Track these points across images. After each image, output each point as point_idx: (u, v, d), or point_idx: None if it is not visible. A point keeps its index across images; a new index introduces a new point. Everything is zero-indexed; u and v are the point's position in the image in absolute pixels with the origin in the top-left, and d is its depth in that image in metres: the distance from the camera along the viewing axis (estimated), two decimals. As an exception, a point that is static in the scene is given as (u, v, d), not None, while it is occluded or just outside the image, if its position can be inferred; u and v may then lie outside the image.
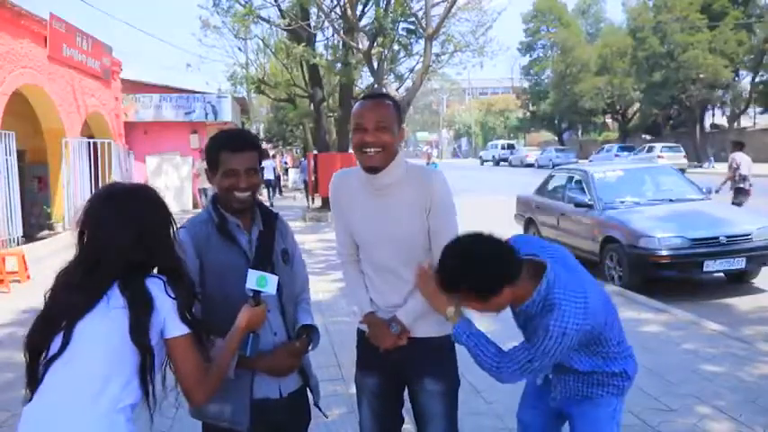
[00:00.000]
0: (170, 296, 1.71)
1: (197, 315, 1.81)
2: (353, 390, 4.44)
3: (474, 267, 1.94)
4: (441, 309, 2.18)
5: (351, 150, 19.66)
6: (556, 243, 2.70)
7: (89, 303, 1.64)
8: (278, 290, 2.17)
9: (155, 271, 1.77)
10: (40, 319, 1.69)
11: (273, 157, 26.96)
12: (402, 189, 2.21)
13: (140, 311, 1.64)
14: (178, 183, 19.33)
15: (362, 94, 2.74)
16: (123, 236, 1.69)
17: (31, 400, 1.63)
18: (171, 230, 1.81)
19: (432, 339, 2.29)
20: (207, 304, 1.96)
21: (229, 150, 2.06)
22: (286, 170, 31.30)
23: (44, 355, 1.64)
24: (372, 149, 2.13)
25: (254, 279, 1.93)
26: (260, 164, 2.13)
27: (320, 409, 2.40)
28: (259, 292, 1.94)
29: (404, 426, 2.51)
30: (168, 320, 1.70)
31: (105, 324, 1.62)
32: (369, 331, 2.33)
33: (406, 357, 2.28)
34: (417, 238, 2.22)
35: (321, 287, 7.86)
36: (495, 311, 2.08)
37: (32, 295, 4.49)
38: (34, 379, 1.63)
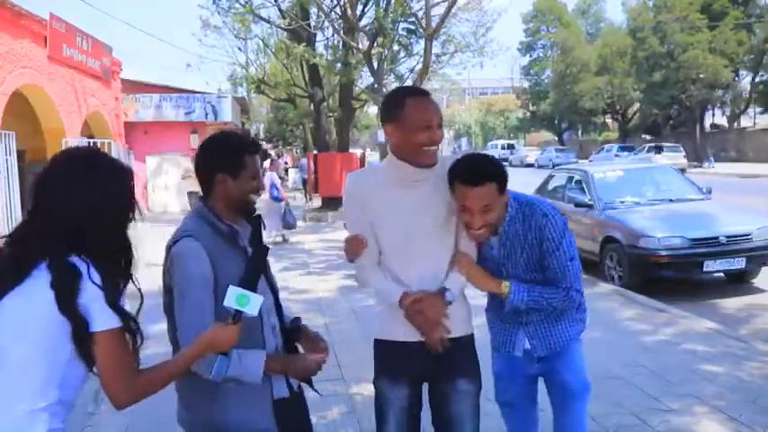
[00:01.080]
0: (94, 282, 1.49)
1: (125, 307, 1.59)
2: (353, 390, 4.44)
3: (494, 160, 2.24)
4: (491, 285, 2.29)
5: (351, 150, 19.70)
6: None
7: (18, 278, 1.50)
8: (272, 289, 2.14)
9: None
10: None
11: (279, 156, 26.85)
12: (436, 176, 2.21)
13: (67, 285, 1.47)
14: (178, 183, 19.33)
15: (412, 87, 2.67)
16: (77, 202, 1.54)
17: None
18: (130, 207, 1.65)
19: (462, 338, 2.28)
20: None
21: (253, 153, 2.05)
22: (286, 170, 31.30)
23: None
24: (434, 147, 2.16)
25: (233, 297, 1.74)
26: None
27: (312, 387, 2.26)
28: (239, 311, 1.74)
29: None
30: (93, 311, 1.49)
31: (29, 303, 1.47)
32: (412, 310, 2.17)
33: (439, 358, 2.21)
34: (450, 222, 2.25)
35: (321, 287, 7.86)
36: (497, 222, 2.24)
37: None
38: None
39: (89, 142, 13.07)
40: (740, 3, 33.25)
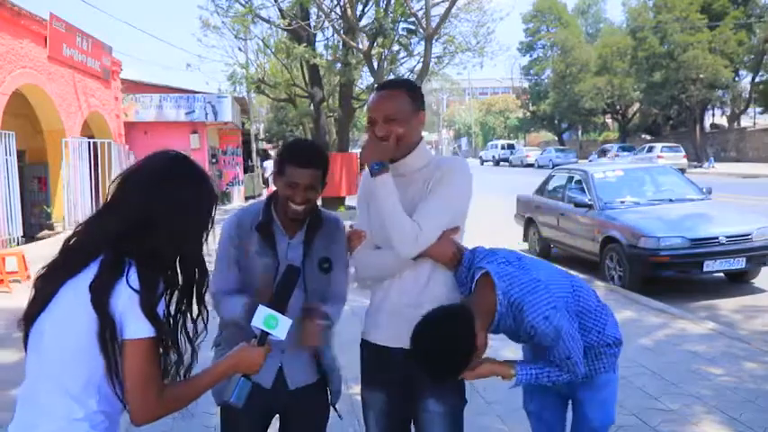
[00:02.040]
0: (131, 287, 1.41)
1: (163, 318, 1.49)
2: (353, 390, 4.43)
3: (452, 361, 1.99)
4: (507, 372, 2.13)
5: (351, 150, 19.72)
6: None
7: (77, 268, 1.45)
8: (305, 290, 2.13)
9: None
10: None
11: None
12: (418, 179, 2.14)
13: (103, 281, 1.41)
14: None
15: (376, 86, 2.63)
16: (151, 208, 1.48)
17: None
18: (205, 225, 1.58)
19: None
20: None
21: (297, 165, 2.08)
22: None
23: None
24: (383, 143, 2.08)
25: (261, 317, 1.66)
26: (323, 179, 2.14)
27: (335, 409, 2.29)
28: (266, 333, 1.66)
29: None
30: (126, 317, 1.41)
31: (76, 295, 1.42)
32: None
33: (411, 374, 2.11)
34: None
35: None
36: (484, 351, 2.10)
37: (32, 295, 4.47)
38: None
39: (89, 142, 13.07)
40: (740, 3, 33.25)
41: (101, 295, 1.40)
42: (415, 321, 2.00)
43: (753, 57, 32.67)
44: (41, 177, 13.45)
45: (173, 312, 1.53)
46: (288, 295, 1.81)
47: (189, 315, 1.57)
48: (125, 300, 1.41)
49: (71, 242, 1.53)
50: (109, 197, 1.54)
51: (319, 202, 2.28)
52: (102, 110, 14.97)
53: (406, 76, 16.93)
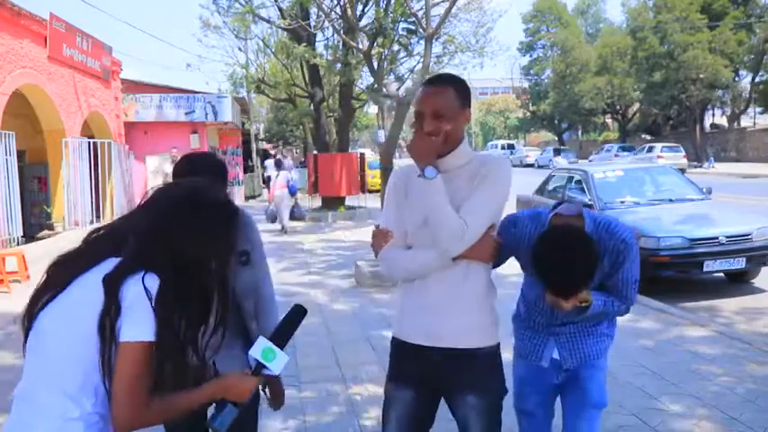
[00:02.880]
0: (145, 285, 1.41)
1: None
2: (353, 390, 4.43)
3: (588, 265, 2.13)
4: (587, 297, 2.22)
5: (351, 150, 19.64)
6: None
7: (89, 264, 1.46)
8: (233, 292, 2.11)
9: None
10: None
11: (284, 157, 26.75)
12: (461, 175, 2.12)
13: (124, 267, 1.43)
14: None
15: (426, 79, 2.61)
16: (172, 236, 1.50)
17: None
18: (228, 251, 1.61)
19: (476, 351, 2.13)
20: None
21: None
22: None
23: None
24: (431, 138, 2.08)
25: (260, 349, 1.66)
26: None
27: (265, 393, 2.31)
28: (262, 365, 1.67)
29: None
30: (126, 317, 1.39)
31: (83, 293, 1.43)
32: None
33: (447, 369, 2.12)
34: None
35: (321, 287, 7.86)
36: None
37: (32, 295, 4.47)
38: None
39: (89, 142, 13.07)
40: (740, 3, 33.27)
41: (115, 277, 1.40)
42: (454, 318, 2.08)
43: (753, 57, 32.69)
44: (41, 177, 13.45)
45: (183, 324, 1.49)
46: (291, 333, 1.82)
47: (204, 329, 1.55)
48: (133, 295, 1.40)
49: (97, 233, 1.54)
50: (144, 200, 1.57)
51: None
52: (102, 110, 14.98)
53: (406, 76, 16.95)
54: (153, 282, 1.42)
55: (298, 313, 1.85)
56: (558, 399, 2.57)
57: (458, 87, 2.12)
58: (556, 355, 2.43)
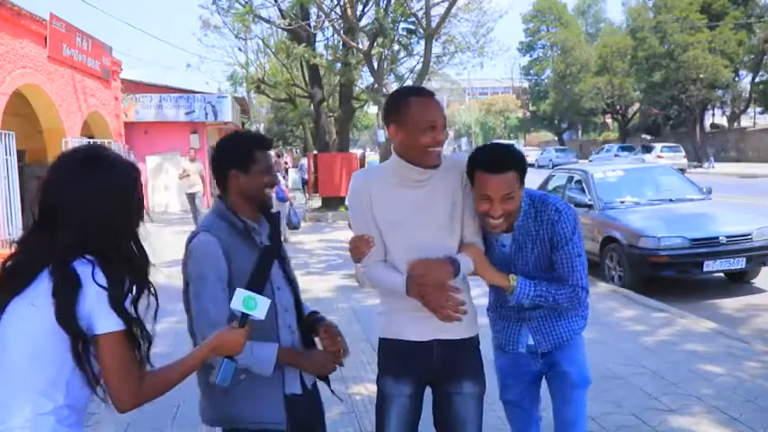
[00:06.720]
0: (98, 284, 1.45)
1: (134, 311, 1.54)
2: (353, 390, 4.43)
3: (516, 149, 2.26)
4: (498, 277, 2.29)
5: (351, 150, 19.60)
6: None
7: (24, 282, 1.47)
8: (291, 285, 2.15)
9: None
10: None
11: (279, 156, 26.75)
12: (440, 175, 2.20)
13: (66, 296, 1.43)
14: (179, 183, 19.32)
15: (411, 86, 2.66)
16: (82, 204, 1.50)
17: None
18: (139, 206, 1.61)
19: (467, 340, 2.26)
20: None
21: (263, 148, 2.11)
22: (286, 170, 31.31)
23: None
24: (439, 148, 2.14)
25: (240, 299, 1.69)
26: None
27: (334, 393, 2.35)
28: (246, 315, 1.70)
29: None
30: (95, 314, 1.45)
31: (31, 308, 1.45)
32: (416, 276, 2.09)
33: (445, 359, 2.22)
34: (455, 218, 2.23)
35: (321, 287, 7.86)
36: (514, 214, 2.26)
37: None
38: None
39: (89, 142, 13.07)
40: (740, 3, 33.25)
41: (67, 310, 1.42)
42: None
43: (753, 57, 32.67)
44: (41, 177, 13.42)
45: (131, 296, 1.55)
46: (266, 276, 1.88)
47: (147, 296, 1.60)
48: (93, 298, 1.44)
49: (9, 264, 1.53)
50: (35, 208, 1.56)
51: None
52: (102, 110, 14.98)
53: (406, 76, 16.95)
54: (101, 276, 1.46)
55: (267, 252, 1.91)
56: (546, 387, 2.59)
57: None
58: (531, 341, 2.46)
